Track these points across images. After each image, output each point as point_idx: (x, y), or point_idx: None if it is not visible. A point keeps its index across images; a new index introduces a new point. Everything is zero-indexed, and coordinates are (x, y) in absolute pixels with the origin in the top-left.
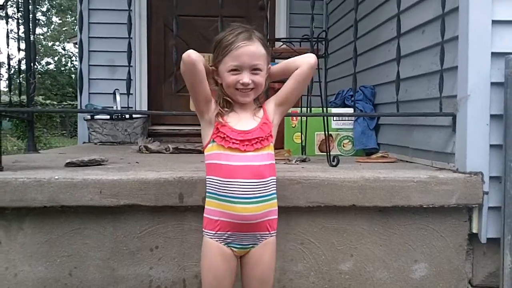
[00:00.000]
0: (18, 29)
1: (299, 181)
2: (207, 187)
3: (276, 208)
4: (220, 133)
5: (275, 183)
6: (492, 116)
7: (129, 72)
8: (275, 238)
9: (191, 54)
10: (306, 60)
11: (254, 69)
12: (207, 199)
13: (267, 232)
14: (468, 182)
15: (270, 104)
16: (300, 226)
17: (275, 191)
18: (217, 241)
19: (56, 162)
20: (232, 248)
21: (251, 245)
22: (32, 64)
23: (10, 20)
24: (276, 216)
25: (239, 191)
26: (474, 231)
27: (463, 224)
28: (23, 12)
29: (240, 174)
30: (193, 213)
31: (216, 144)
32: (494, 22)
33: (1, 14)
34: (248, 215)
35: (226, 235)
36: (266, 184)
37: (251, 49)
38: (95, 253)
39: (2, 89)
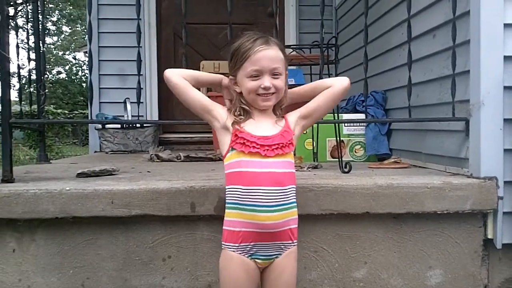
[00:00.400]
0: (28, 39)
1: (312, 188)
2: (227, 198)
3: (297, 216)
4: (239, 139)
5: (295, 191)
6: (505, 120)
7: (139, 82)
8: (296, 248)
9: (165, 72)
10: (340, 82)
11: (274, 74)
12: (227, 210)
13: (290, 241)
14: (482, 187)
15: (293, 116)
16: (313, 234)
17: (295, 199)
18: (240, 253)
19: (68, 172)
20: (256, 260)
21: (275, 256)
22: (42, 76)
23: (20, 30)
24: (297, 225)
25: (262, 199)
26: (489, 236)
27: (478, 230)
28: (32, 23)
29: (262, 181)
30: (205, 222)
31: (236, 151)
32: (506, 25)
33: (12, 24)
34: (271, 223)
35: (249, 246)
36: (287, 192)
37: (270, 53)
38: (108, 264)
39: (13, 99)
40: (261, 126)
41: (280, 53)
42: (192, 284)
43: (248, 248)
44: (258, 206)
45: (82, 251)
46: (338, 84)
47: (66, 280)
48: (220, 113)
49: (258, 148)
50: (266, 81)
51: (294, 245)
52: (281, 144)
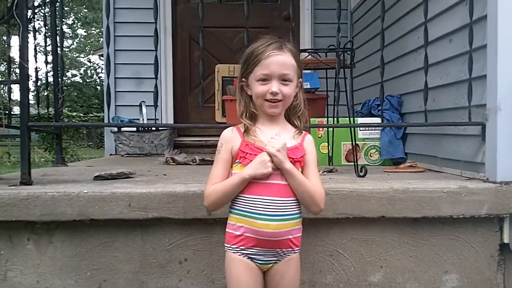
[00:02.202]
0: (46, 42)
1: (327, 192)
2: (231, 203)
3: (301, 226)
4: (247, 155)
5: (299, 203)
6: None
7: (156, 85)
8: (298, 255)
9: (205, 203)
10: (318, 209)
11: (284, 79)
12: (230, 214)
13: (290, 249)
14: (499, 192)
15: (308, 146)
16: (329, 238)
17: (299, 210)
18: (240, 255)
19: (85, 175)
20: (256, 262)
21: (273, 261)
22: (60, 79)
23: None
24: (300, 234)
25: (262, 208)
26: (506, 241)
27: (494, 234)
28: (50, 26)
29: (264, 191)
30: (221, 225)
31: (241, 165)
32: None
33: (29, 27)
34: (269, 231)
35: (249, 250)
36: (288, 203)
37: (281, 58)
38: (124, 266)
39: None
40: (270, 135)
41: (293, 60)
42: (208, 287)
43: (247, 252)
44: (257, 214)
45: (99, 253)
46: (315, 205)
47: (83, 282)
48: (230, 157)
49: None
50: (274, 86)
51: (295, 253)
52: (292, 159)
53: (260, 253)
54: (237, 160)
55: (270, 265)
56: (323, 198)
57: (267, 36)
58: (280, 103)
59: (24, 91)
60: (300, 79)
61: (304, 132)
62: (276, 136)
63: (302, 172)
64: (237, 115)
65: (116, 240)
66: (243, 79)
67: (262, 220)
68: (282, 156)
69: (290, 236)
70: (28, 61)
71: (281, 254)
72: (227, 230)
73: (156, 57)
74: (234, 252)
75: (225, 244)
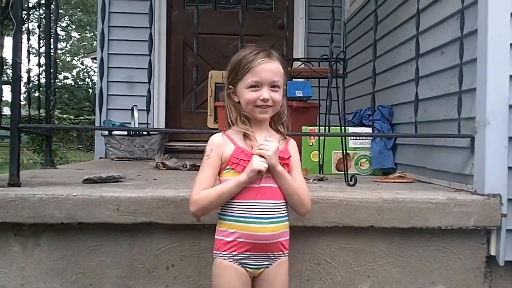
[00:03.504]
0: (39, 44)
1: (317, 201)
2: (221, 209)
3: (288, 229)
4: (240, 161)
5: (287, 205)
6: (510, 138)
7: (149, 90)
8: (287, 259)
9: (191, 209)
10: (305, 210)
11: (273, 86)
12: (220, 221)
13: (281, 252)
14: (486, 204)
15: (292, 151)
16: (318, 246)
17: (287, 213)
18: (231, 261)
19: (74, 178)
20: (247, 268)
21: (265, 265)
22: (53, 81)
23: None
24: (288, 237)
25: (257, 211)
26: (492, 253)
27: (481, 247)
28: (44, 28)
29: (258, 195)
30: (210, 231)
31: (234, 171)
32: None
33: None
34: (266, 235)
35: (240, 255)
36: (280, 205)
37: (271, 66)
38: (111, 271)
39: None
40: (259, 141)
41: (281, 67)
42: None
43: (239, 257)
44: (253, 218)
45: (86, 257)
46: (304, 208)
47: (69, 286)
48: (219, 163)
49: None
50: (265, 93)
51: (285, 256)
52: (282, 163)
53: (252, 258)
54: (227, 167)
55: (262, 269)
56: (310, 199)
57: (253, 45)
58: (270, 109)
59: (16, 92)
60: (285, 86)
61: (287, 137)
62: (268, 139)
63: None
64: (231, 121)
65: (104, 244)
66: (230, 86)
67: (258, 224)
68: (275, 159)
69: (281, 239)
70: (21, 62)
71: (273, 257)
72: (216, 237)
73: (150, 62)
74: (224, 259)
75: (214, 251)
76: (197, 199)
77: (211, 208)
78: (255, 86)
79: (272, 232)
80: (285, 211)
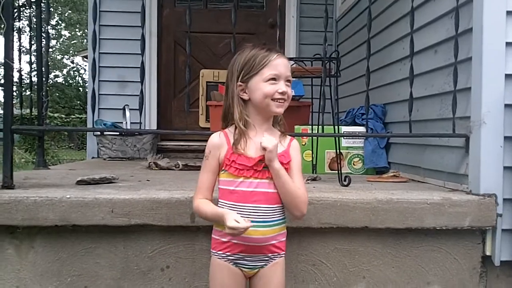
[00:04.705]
0: (30, 43)
1: (311, 202)
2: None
3: (285, 230)
4: (233, 163)
5: (283, 209)
6: (506, 138)
7: (141, 90)
8: (284, 259)
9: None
10: (300, 213)
11: (287, 81)
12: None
13: (276, 253)
14: (482, 204)
15: (293, 153)
16: (312, 247)
17: (283, 216)
18: (225, 261)
19: (67, 179)
20: (241, 268)
21: (260, 266)
22: (45, 81)
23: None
24: (285, 238)
25: (250, 215)
26: (488, 253)
27: (477, 247)
28: (35, 27)
29: (251, 199)
30: (204, 233)
31: (228, 173)
32: (508, 44)
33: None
34: (258, 237)
35: (235, 256)
36: (275, 209)
37: (285, 61)
38: (106, 273)
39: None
40: (259, 142)
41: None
42: None
43: (233, 257)
44: None
45: (81, 259)
46: (300, 209)
47: None
48: (217, 164)
49: (252, 173)
50: (283, 86)
51: (281, 257)
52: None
53: (246, 258)
54: (223, 168)
55: (257, 269)
56: (306, 202)
57: (257, 43)
58: (286, 103)
59: (9, 93)
60: None
61: (290, 137)
62: (268, 136)
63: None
64: (234, 118)
65: (98, 246)
66: (241, 83)
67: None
68: (274, 154)
69: (274, 241)
70: (13, 62)
71: (267, 258)
72: (213, 236)
73: (142, 62)
74: (220, 258)
75: (211, 250)
76: (196, 210)
77: (208, 220)
78: (274, 79)
79: (264, 236)
80: (281, 215)
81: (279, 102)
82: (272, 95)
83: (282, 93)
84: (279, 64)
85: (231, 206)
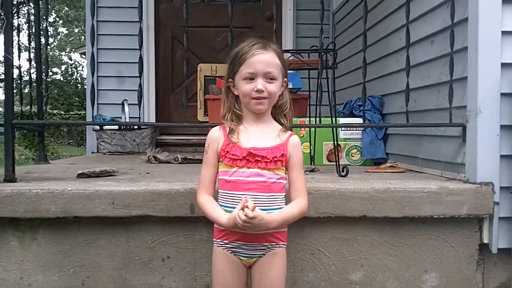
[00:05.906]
0: (30, 40)
1: (309, 192)
2: (218, 199)
3: None
4: (228, 154)
5: (283, 199)
6: (502, 126)
7: (140, 85)
8: (284, 250)
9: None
10: (302, 210)
11: (268, 78)
12: None
13: (274, 243)
14: (478, 192)
15: (292, 150)
16: (311, 237)
17: (281, 206)
18: (223, 249)
19: (68, 173)
20: (240, 257)
21: (258, 255)
22: (45, 77)
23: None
24: (285, 229)
25: None
26: (485, 241)
27: (474, 235)
28: (34, 24)
29: (244, 188)
30: (204, 223)
31: (224, 164)
32: (504, 33)
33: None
34: None
35: (232, 244)
36: (270, 198)
37: (265, 57)
38: (108, 263)
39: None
40: (254, 135)
41: (277, 59)
42: (190, 284)
43: (231, 245)
44: None
45: (83, 250)
46: (302, 209)
47: (67, 278)
48: (216, 157)
49: (243, 162)
50: (259, 84)
51: (281, 247)
52: (267, 159)
53: (243, 247)
54: (220, 160)
55: (255, 259)
56: (306, 208)
57: (253, 38)
58: (266, 101)
59: (9, 89)
60: (286, 79)
61: (290, 132)
62: (247, 204)
63: (287, 174)
64: (220, 116)
65: (100, 237)
66: (230, 79)
67: None
68: (258, 226)
69: (272, 231)
70: (13, 59)
71: (265, 248)
72: (214, 224)
73: (140, 56)
74: (219, 246)
75: (213, 238)
76: (199, 205)
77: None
78: (250, 78)
79: None
80: (276, 204)
81: (257, 100)
82: (250, 94)
83: (259, 91)
84: (256, 62)
85: (226, 194)
